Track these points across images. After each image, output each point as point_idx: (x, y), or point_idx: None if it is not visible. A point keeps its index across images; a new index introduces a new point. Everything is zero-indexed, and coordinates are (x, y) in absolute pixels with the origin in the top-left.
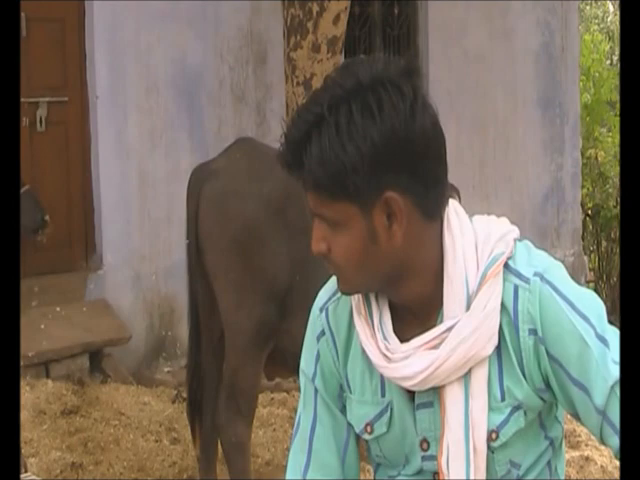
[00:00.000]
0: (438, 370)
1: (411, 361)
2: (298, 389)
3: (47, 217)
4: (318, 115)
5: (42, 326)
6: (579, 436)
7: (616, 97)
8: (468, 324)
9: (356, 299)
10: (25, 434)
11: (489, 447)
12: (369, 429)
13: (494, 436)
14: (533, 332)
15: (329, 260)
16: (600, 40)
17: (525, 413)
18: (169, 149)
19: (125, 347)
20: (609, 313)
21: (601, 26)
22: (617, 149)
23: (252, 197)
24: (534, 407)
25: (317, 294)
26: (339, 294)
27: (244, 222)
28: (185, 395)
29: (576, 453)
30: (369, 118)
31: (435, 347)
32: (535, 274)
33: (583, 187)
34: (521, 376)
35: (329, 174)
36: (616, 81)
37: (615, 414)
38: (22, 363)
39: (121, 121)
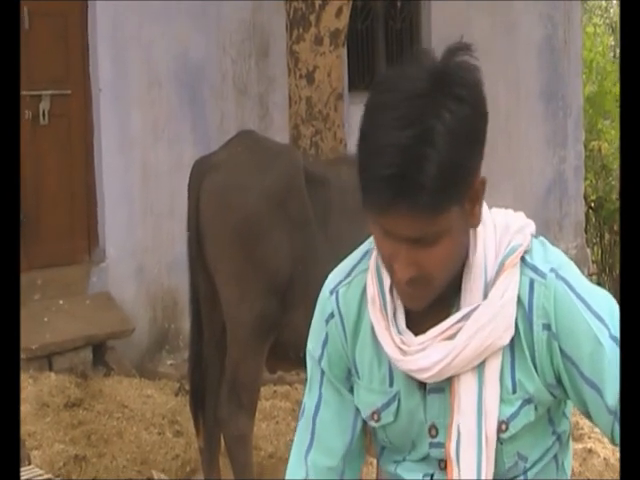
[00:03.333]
0: (455, 360)
1: (427, 353)
2: (300, 382)
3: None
4: (421, 130)
5: (45, 319)
6: (582, 429)
7: (618, 89)
8: (486, 312)
9: (372, 290)
10: (28, 427)
11: (498, 438)
12: (376, 417)
13: (504, 427)
14: (547, 327)
15: (417, 280)
16: (603, 32)
17: (535, 407)
18: (172, 142)
19: (128, 340)
20: None
21: (604, 17)
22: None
23: (253, 190)
24: (544, 402)
25: (318, 286)
26: (350, 278)
27: (245, 215)
28: (188, 388)
29: (579, 446)
30: (468, 108)
31: (451, 337)
32: (551, 270)
33: (586, 180)
34: (533, 370)
35: (449, 189)
36: (619, 73)
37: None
38: (25, 356)
39: (124, 114)
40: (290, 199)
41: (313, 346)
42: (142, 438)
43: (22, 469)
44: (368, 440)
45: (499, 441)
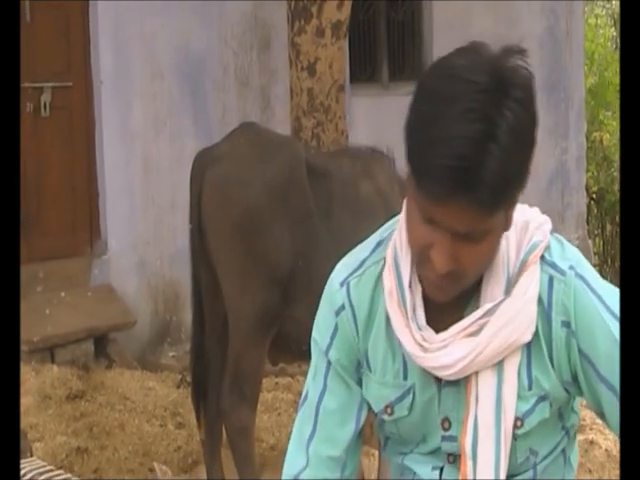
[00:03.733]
0: (478, 357)
1: (450, 350)
2: (302, 374)
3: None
4: (487, 126)
5: (47, 311)
6: (583, 420)
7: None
8: (510, 308)
9: (389, 284)
10: (30, 419)
11: (513, 434)
12: (389, 411)
13: (519, 424)
14: (566, 325)
15: (454, 274)
16: (605, 24)
17: (550, 404)
18: (173, 134)
19: (130, 332)
20: None
21: (606, 8)
22: None
23: (255, 182)
24: (559, 399)
25: (320, 278)
26: (362, 270)
27: (247, 207)
28: (190, 380)
29: (581, 437)
30: (524, 111)
31: (474, 334)
32: (570, 267)
33: (588, 171)
34: (550, 367)
35: (509, 188)
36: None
37: None
38: (27, 348)
39: (125, 106)
40: (292, 191)
41: (320, 336)
42: (144, 430)
43: (24, 461)
44: (369, 431)
45: (513, 437)
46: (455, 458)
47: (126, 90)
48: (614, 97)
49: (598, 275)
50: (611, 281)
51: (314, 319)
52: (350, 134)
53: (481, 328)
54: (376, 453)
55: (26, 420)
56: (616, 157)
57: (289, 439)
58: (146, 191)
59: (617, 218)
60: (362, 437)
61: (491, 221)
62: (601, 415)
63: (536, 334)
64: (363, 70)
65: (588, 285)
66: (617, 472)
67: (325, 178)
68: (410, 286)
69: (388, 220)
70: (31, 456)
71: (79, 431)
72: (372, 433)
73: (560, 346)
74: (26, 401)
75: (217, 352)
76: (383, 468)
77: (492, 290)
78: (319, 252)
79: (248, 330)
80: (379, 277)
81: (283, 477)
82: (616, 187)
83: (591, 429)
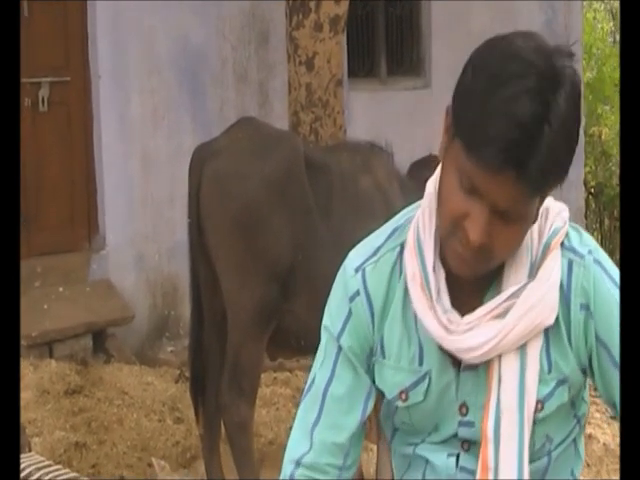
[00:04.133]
0: (504, 340)
1: (475, 332)
2: (301, 369)
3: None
4: (540, 111)
5: (45, 306)
6: None
7: (618, 75)
8: (535, 292)
9: (412, 266)
10: (29, 414)
11: (533, 419)
12: (404, 397)
13: (539, 407)
14: (585, 307)
15: (485, 250)
16: (603, 18)
17: (569, 389)
18: (171, 129)
19: (128, 327)
20: None
21: (604, 2)
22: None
23: (254, 177)
24: (577, 383)
25: (320, 272)
26: (378, 256)
27: (245, 202)
28: (188, 375)
29: None
30: (574, 109)
31: (499, 316)
32: (589, 252)
33: (586, 165)
34: (569, 351)
35: (556, 174)
36: (619, 59)
37: None
38: (26, 343)
39: (123, 101)
40: (291, 185)
41: (332, 322)
42: (142, 425)
43: (22, 456)
44: (367, 425)
45: (533, 421)
46: (470, 445)
47: (124, 85)
48: (612, 91)
49: (612, 262)
50: None
51: (313, 314)
52: (348, 129)
53: (506, 311)
54: (374, 448)
55: (24, 415)
56: (614, 152)
57: (288, 434)
58: (144, 186)
59: (615, 213)
60: (362, 438)
61: (529, 204)
62: (611, 402)
63: (555, 318)
64: (361, 65)
65: (605, 271)
66: (615, 466)
67: (324, 173)
68: (434, 270)
69: (387, 214)
70: (29, 451)
71: (77, 426)
72: (371, 428)
73: (578, 329)
74: (24, 396)
75: (216, 347)
76: (382, 463)
77: (516, 273)
78: (318, 247)
79: (247, 325)
80: (395, 264)
81: (285, 460)
82: (614, 182)
83: (589, 423)
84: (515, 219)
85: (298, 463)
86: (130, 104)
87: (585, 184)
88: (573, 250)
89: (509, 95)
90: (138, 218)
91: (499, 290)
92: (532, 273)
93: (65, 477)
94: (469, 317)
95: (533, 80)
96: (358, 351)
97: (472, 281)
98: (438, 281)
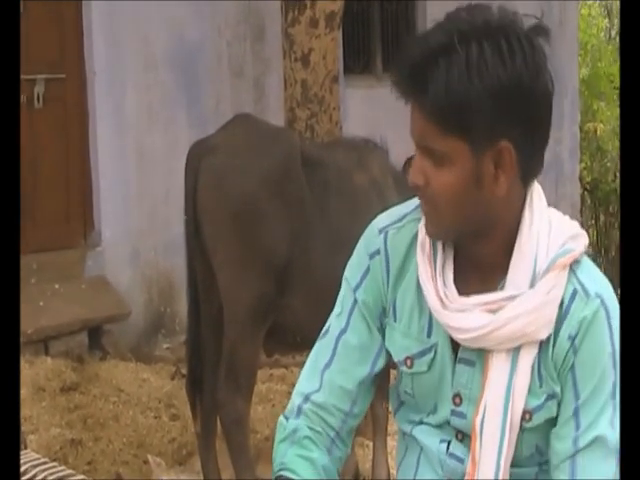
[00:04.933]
0: (492, 334)
1: (467, 316)
2: (297, 365)
3: None
4: (447, 44)
5: (41, 303)
6: None
7: (614, 71)
8: (530, 300)
9: (422, 235)
10: (24, 411)
11: (521, 426)
12: (409, 362)
13: (527, 417)
14: (572, 339)
15: (425, 195)
16: (598, 14)
17: (558, 404)
18: (167, 125)
19: (124, 323)
20: None
21: None
22: (615, 123)
23: (250, 173)
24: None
25: (316, 269)
26: (402, 223)
27: (242, 198)
28: (184, 371)
29: None
30: (500, 60)
31: (492, 311)
32: (597, 295)
33: (581, 161)
34: (553, 369)
35: (453, 105)
36: (614, 55)
37: (583, 470)
38: (21, 340)
39: (119, 97)
40: (287, 181)
41: (351, 275)
42: (138, 422)
43: None
44: (364, 422)
45: (521, 429)
46: (464, 436)
47: (120, 81)
48: (608, 87)
49: (619, 312)
50: (605, 270)
51: (309, 309)
52: (344, 125)
53: (500, 308)
54: (370, 444)
55: (20, 412)
56: (610, 147)
57: None
58: (140, 182)
59: (611, 208)
60: (371, 394)
61: (444, 144)
62: (549, 445)
63: (547, 336)
64: (357, 61)
65: (609, 321)
66: None
67: (320, 169)
68: (444, 245)
69: (382, 210)
70: (25, 448)
71: (73, 423)
72: (367, 424)
73: (560, 355)
74: (20, 393)
75: (212, 343)
76: (378, 460)
77: (517, 277)
78: (314, 242)
79: (244, 320)
80: (417, 233)
81: (294, 392)
82: (610, 177)
83: None
84: (440, 161)
85: (307, 398)
86: (125, 100)
87: (580, 180)
88: (581, 283)
89: (429, 31)
90: (134, 214)
91: (503, 288)
92: (534, 283)
93: (61, 474)
94: (464, 299)
95: (454, 24)
96: (372, 307)
97: (482, 272)
98: (445, 255)
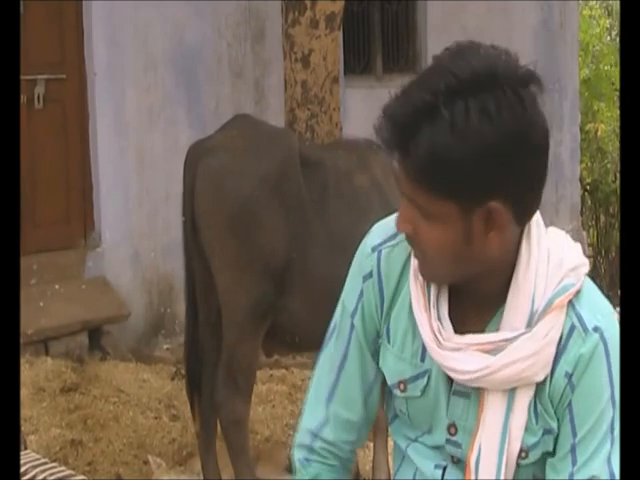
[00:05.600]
0: (488, 377)
1: (462, 356)
2: (297, 365)
3: None
4: (431, 104)
5: (41, 304)
6: None
7: (615, 72)
8: (528, 345)
9: (416, 264)
10: (24, 411)
11: (517, 463)
12: (402, 387)
13: (523, 455)
14: (569, 376)
15: (414, 243)
16: (599, 15)
17: (556, 441)
18: (167, 126)
19: (124, 324)
20: (608, 288)
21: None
22: (616, 124)
23: (249, 174)
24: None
25: (315, 270)
26: (396, 241)
27: (240, 199)
28: (184, 372)
29: None
30: (486, 120)
31: (488, 352)
32: (596, 329)
33: (582, 162)
34: (549, 405)
35: (437, 170)
36: (615, 56)
37: None
38: (21, 341)
39: (119, 98)
40: (285, 183)
41: (348, 299)
42: (138, 422)
43: None
44: None
45: (517, 465)
46: (459, 460)
47: (120, 82)
48: (609, 88)
49: (618, 341)
50: (605, 272)
51: (308, 311)
52: (344, 126)
53: (497, 349)
54: (371, 445)
55: (20, 413)
56: (610, 148)
57: (283, 431)
58: (140, 183)
59: (611, 209)
60: (374, 416)
61: (431, 206)
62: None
63: None
64: (357, 62)
65: (607, 357)
66: None
67: (319, 170)
68: None
69: (384, 212)
70: (25, 449)
71: (73, 423)
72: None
73: (557, 392)
74: (20, 394)
75: (211, 344)
76: (378, 461)
77: (514, 316)
78: (313, 244)
79: (242, 321)
80: (411, 252)
81: (302, 427)
82: (610, 178)
83: None
84: (431, 217)
85: (316, 435)
86: (126, 101)
87: (581, 181)
88: (579, 318)
89: (412, 86)
90: (134, 215)
91: (498, 325)
92: (531, 323)
93: (61, 475)
94: (459, 338)
95: (440, 78)
96: (366, 334)
97: (478, 303)
98: (440, 287)
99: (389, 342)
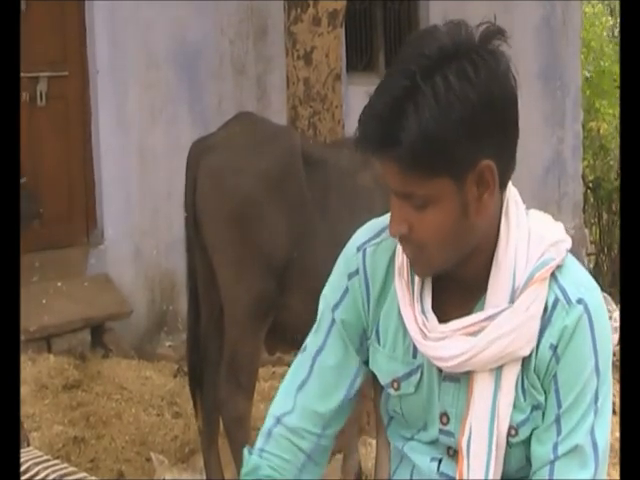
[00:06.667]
0: (474, 359)
1: (447, 343)
2: None
3: (41, 210)
4: (410, 87)
5: (43, 301)
6: None
7: (617, 69)
8: (509, 320)
9: (400, 260)
10: (27, 409)
11: (507, 442)
12: (396, 385)
13: (513, 432)
14: (554, 348)
15: (410, 241)
16: (601, 13)
17: (543, 414)
18: (169, 123)
19: (126, 321)
20: (609, 286)
21: None
22: (618, 121)
23: (250, 171)
24: None
25: (316, 268)
26: (380, 238)
27: (242, 196)
28: (186, 369)
29: None
30: (467, 83)
31: (472, 334)
32: (579, 301)
33: (584, 160)
34: (536, 379)
35: (432, 148)
36: (617, 54)
37: (560, 473)
38: (24, 338)
39: (121, 96)
40: (287, 180)
41: (330, 293)
42: (141, 419)
43: (21, 451)
44: (365, 420)
45: (508, 445)
46: (455, 452)
47: (122, 79)
48: (611, 86)
49: (605, 310)
50: (607, 269)
51: (309, 308)
52: (346, 123)
53: (481, 330)
54: (373, 442)
55: (23, 410)
56: (612, 146)
57: None
58: (142, 180)
59: (613, 207)
60: (353, 407)
61: (428, 187)
62: (531, 451)
63: None
64: (360, 59)
65: (592, 328)
66: (614, 460)
67: (321, 168)
68: None
69: (386, 210)
70: (28, 446)
71: (76, 421)
72: (369, 422)
73: (542, 365)
74: (22, 391)
75: (213, 341)
76: (381, 459)
77: (496, 295)
78: (315, 241)
79: (244, 319)
80: (395, 250)
81: (270, 411)
82: (612, 176)
83: None
84: (424, 204)
85: (278, 420)
86: (128, 98)
87: (583, 178)
88: (563, 290)
89: (385, 79)
90: (136, 212)
91: (483, 307)
92: (513, 299)
93: (63, 472)
94: (443, 327)
95: (409, 63)
96: (351, 327)
97: (461, 291)
98: (424, 280)
99: (379, 343)
